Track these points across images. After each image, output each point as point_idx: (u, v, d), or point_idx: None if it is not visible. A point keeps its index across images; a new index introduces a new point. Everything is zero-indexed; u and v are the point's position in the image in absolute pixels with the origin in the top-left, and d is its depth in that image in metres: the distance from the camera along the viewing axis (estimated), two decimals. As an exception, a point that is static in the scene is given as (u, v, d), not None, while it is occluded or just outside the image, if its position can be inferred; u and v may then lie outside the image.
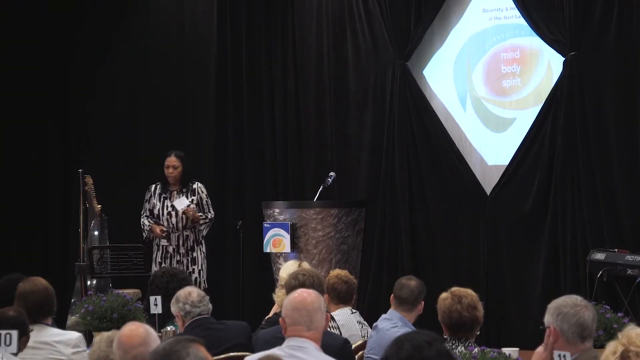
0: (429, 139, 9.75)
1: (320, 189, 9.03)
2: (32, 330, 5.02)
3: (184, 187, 9.28)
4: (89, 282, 9.34)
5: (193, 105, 11.10)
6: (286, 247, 8.76)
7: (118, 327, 4.25)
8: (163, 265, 9.15)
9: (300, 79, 10.54)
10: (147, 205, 9.34)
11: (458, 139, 9.75)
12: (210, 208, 9.29)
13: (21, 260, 10.90)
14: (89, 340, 6.25)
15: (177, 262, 9.19)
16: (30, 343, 5.03)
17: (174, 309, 5.73)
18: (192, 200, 9.23)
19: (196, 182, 9.32)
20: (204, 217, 9.24)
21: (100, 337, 4.25)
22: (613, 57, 8.93)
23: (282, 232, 8.79)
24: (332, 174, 9.25)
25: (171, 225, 9.22)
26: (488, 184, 9.54)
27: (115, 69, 11.43)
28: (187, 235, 9.23)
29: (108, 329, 5.75)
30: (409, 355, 3.36)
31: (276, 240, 8.81)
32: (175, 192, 9.28)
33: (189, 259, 9.22)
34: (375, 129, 10.00)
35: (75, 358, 5.32)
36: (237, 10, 10.81)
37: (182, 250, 9.22)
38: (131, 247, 9.06)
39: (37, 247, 11.40)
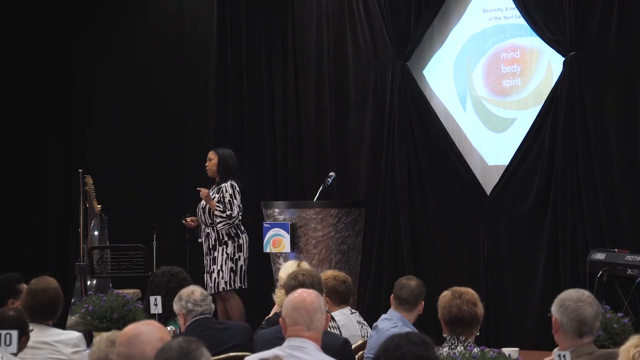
0: (429, 139, 9.75)
1: (320, 189, 9.03)
2: (32, 330, 5.02)
3: (219, 183, 9.11)
4: (89, 282, 9.35)
5: (193, 105, 11.10)
6: (286, 247, 8.76)
7: (118, 327, 4.26)
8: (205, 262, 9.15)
9: (300, 79, 10.53)
10: None
11: (458, 139, 9.74)
12: (233, 207, 8.89)
13: (21, 260, 10.90)
14: (89, 340, 6.26)
15: (205, 262, 9.11)
16: (30, 343, 5.02)
17: (176, 307, 5.72)
18: (215, 197, 9.00)
19: (229, 181, 9.01)
20: (220, 208, 8.88)
21: (100, 337, 4.24)
22: (613, 57, 8.93)
23: (282, 232, 8.79)
24: (332, 174, 9.25)
25: (203, 221, 9.10)
26: (488, 184, 9.54)
27: (115, 69, 11.44)
28: (208, 233, 9.07)
29: (108, 329, 5.77)
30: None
31: (276, 240, 8.81)
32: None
33: (210, 258, 9.05)
34: (375, 129, 10.00)
35: (75, 358, 5.32)
36: (237, 11, 10.81)
37: (204, 249, 9.12)
38: (131, 247, 9.06)
39: (37, 247, 11.40)
